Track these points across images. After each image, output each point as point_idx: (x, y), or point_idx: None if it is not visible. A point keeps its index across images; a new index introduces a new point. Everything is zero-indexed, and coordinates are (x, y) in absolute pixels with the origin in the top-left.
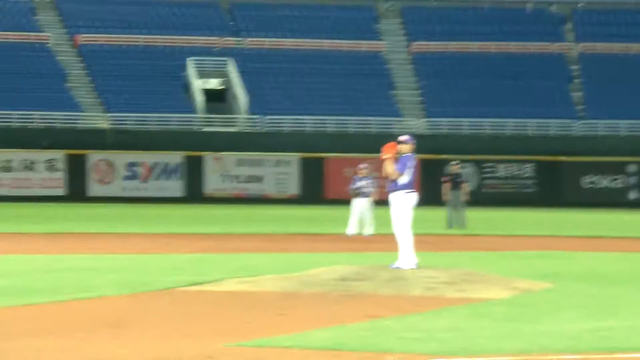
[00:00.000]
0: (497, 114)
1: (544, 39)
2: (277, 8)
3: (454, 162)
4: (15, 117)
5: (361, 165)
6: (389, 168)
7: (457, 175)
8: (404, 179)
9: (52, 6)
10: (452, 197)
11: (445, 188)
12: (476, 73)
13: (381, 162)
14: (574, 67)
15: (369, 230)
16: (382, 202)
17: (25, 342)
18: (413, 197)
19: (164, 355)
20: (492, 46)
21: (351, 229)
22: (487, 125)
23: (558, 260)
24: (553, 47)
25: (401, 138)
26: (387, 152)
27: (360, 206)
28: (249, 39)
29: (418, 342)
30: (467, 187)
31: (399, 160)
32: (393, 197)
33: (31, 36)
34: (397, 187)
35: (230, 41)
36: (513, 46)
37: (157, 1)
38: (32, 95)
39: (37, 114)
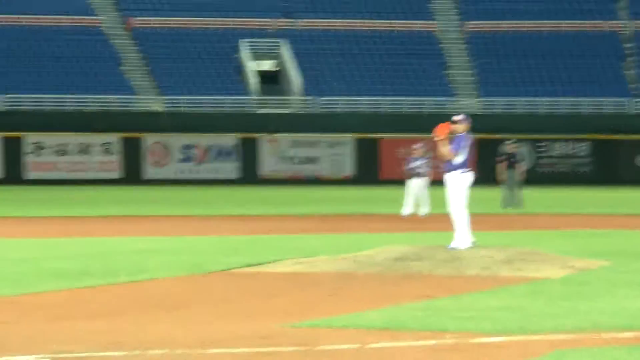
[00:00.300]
0: (551, 92)
1: (597, 17)
2: None
3: (509, 142)
4: (70, 101)
5: (415, 146)
6: (443, 148)
7: (513, 154)
8: (459, 159)
9: None
10: (508, 176)
11: (501, 168)
12: (530, 52)
13: (435, 142)
14: (628, 45)
15: (424, 210)
16: (437, 181)
17: (82, 324)
18: (469, 176)
19: (219, 337)
20: (545, 25)
21: (406, 209)
22: (542, 104)
23: (614, 239)
24: (606, 25)
25: (455, 118)
26: (439, 133)
27: (415, 186)
28: (302, 21)
29: (473, 321)
30: (522, 167)
31: (453, 140)
32: (448, 177)
33: (85, 20)
34: (452, 167)
35: (283, 23)
36: (566, 25)
37: None
38: (86, 79)
39: (92, 97)
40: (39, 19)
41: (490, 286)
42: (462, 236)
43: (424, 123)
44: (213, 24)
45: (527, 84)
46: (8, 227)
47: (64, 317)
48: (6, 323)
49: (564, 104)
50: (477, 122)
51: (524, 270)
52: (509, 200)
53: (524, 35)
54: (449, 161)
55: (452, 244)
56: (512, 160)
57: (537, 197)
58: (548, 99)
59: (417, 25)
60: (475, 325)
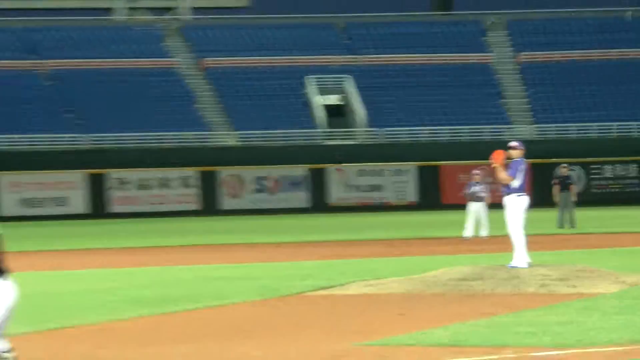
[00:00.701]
0: (601, 117)
1: None
2: (389, 26)
3: (562, 165)
4: (149, 138)
5: (475, 171)
6: (501, 174)
7: (566, 177)
8: (516, 183)
9: (179, 33)
10: (562, 198)
11: (555, 190)
12: (580, 80)
13: (493, 168)
14: None
15: (484, 232)
16: (495, 205)
17: (167, 348)
18: (525, 199)
19: (297, 357)
20: (594, 54)
21: (468, 231)
22: (592, 128)
23: None
24: None
25: (511, 144)
26: (496, 160)
27: (476, 209)
28: (364, 57)
29: (533, 336)
30: (575, 188)
31: (510, 166)
32: (507, 200)
33: (162, 62)
34: (510, 191)
35: (346, 59)
36: (614, 53)
37: (277, 24)
38: (164, 117)
39: (169, 134)
40: (119, 62)
41: (548, 302)
42: (521, 256)
43: (482, 150)
44: (280, 62)
45: (578, 110)
46: (94, 258)
47: (150, 342)
48: (99, 348)
49: (614, 127)
50: (532, 148)
51: (578, 286)
52: (563, 220)
53: (574, 64)
54: (507, 185)
55: (512, 263)
56: (565, 183)
57: (589, 217)
58: (598, 123)
59: (473, 57)
60: (535, 340)
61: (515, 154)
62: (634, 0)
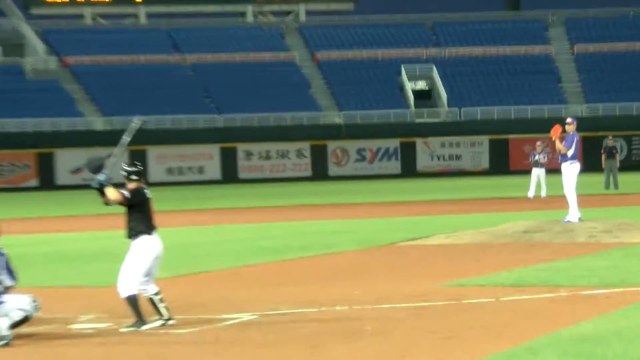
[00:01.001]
0: None
1: None
2: (468, 23)
3: (609, 137)
4: (271, 118)
5: (537, 143)
6: (558, 145)
7: (612, 147)
8: (570, 152)
9: (297, 31)
10: (608, 164)
11: (603, 157)
12: (625, 67)
13: (551, 140)
14: None
15: (544, 193)
16: (553, 170)
17: (284, 289)
18: (577, 166)
19: (388, 295)
20: (636, 45)
21: (530, 192)
22: (634, 107)
23: None
24: None
25: (567, 120)
26: (554, 133)
27: (537, 174)
28: (448, 49)
29: (583, 278)
30: (619, 157)
31: (566, 138)
32: (563, 167)
33: (281, 55)
34: (565, 159)
35: (433, 51)
36: None
37: (376, 23)
38: (284, 100)
39: (288, 114)
40: (248, 56)
41: (596, 250)
42: (573, 212)
43: (544, 125)
44: (379, 55)
45: (623, 92)
46: (227, 216)
47: (271, 283)
48: (230, 289)
49: None
50: (584, 123)
51: (620, 237)
52: (609, 183)
53: (620, 54)
54: (563, 154)
55: (566, 218)
56: (611, 152)
57: (630, 181)
58: (638, 103)
59: (536, 49)
60: (585, 281)
61: (570, 128)
62: None
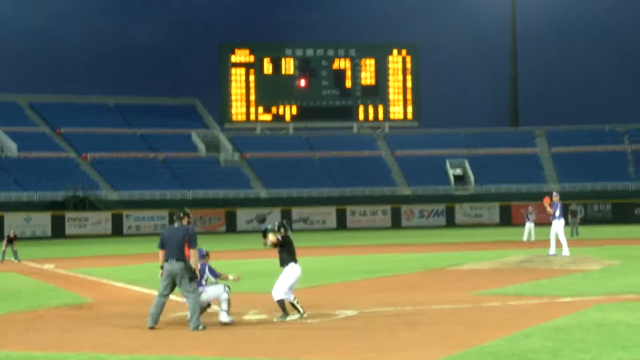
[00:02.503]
0: None
1: None
2: (486, 134)
3: (573, 204)
4: (367, 190)
5: (529, 208)
6: (548, 209)
7: (575, 210)
8: (557, 213)
9: (383, 138)
10: (572, 220)
11: (569, 216)
12: (583, 162)
13: (543, 205)
14: None
15: (532, 238)
16: (542, 224)
17: (373, 295)
18: (562, 221)
19: (437, 299)
20: (586, 148)
21: (524, 237)
22: (589, 186)
23: (623, 250)
24: None
25: (554, 194)
26: (545, 202)
27: (529, 227)
28: (475, 149)
29: (557, 291)
30: (579, 215)
31: (553, 204)
32: (554, 222)
33: (374, 153)
34: (554, 217)
35: (465, 151)
36: None
37: (432, 133)
38: (375, 180)
39: (377, 188)
40: (354, 153)
41: (565, 274)
42: (565, 249)
43: (533, 197)
44: (432, 153)
45: (582, 176)
46: (339, 251)
47: (365, 292)
48: (340, 295)
49: None
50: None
51: (580, 266)
52: (572, 232)
53: (580, 153)
54: (552, 215)
55: (554, 253)
56: (575, 213)
57: (586, 231)
58: (590, 183)
59: (528, 150)
60: (558, 292)
61: (555, 198)
62: None
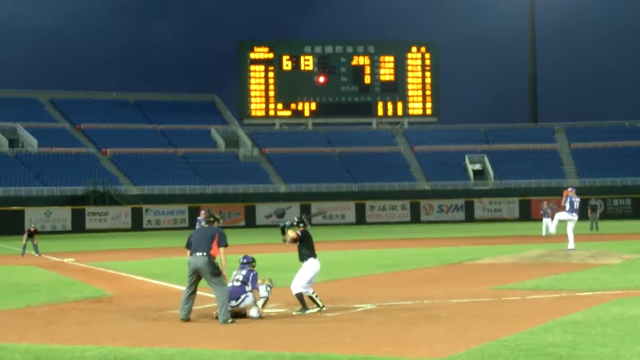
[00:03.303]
0: None
1: None
2: (506, 130)
3: (592, 199)
4: (387, 185)
5: (544, 202)
6: (562, 203)
7: (595, 205)
8: (567, 207)
9: (402, 134)
10: (592, 215)
11: (589, 211)
12: (601, 157)
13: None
14: None
15: (552, 231)
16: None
17: (391, 289)
18: (574, 216)
19: (456, 293)
20: (607, 144)
21: (543, 232)
22: (608, 181)
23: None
24: None
25: (569, 188)
26: (564, 194)
27: (546, 221)
28: (494, 145)
29: (576, 285)
30: (599, 210)
31: (565, 199)
32: (565, 216)
33: (393, 149)
34: (566, 210)
35: (485, 146)
36: None
37: (451, 129)
38: (395, 175)
39: (396, 184)
40: (373, 148)
41: (584, 268)
42: (571, 243)
43: (552, 192)
44: (452, 148)
45: (601, 172)
46: (358, 245)
47: (384, 286)
48: (360, 289)
49: None
50: (578, 191)
51: (600, 260)
52: (592, 227)
53: (598, 149)
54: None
55: (568, 247)
56: (594, 208)
57: (605, 225)
58: (610, 178)
59: (547, 146)
60: (577, 287)
61: (570, 193)
62: None
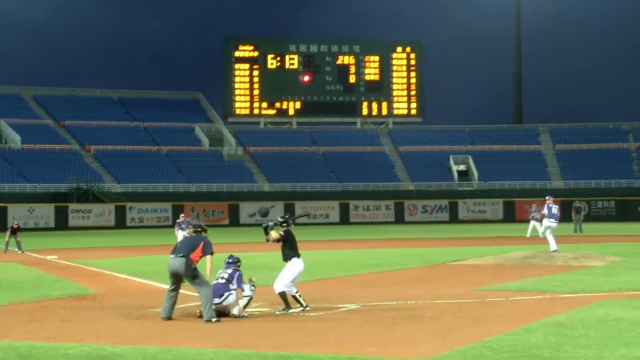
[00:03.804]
0: None
1: None
2: (491, 131)
3: (577, 201)
4: (371, 185)
5: (533, 205)
6: (541, 211)
7: (578, 207)
8: (546, 214)
9: (387, 134)
10: (576, 217)
11: (573, 213)
12: (586, 159)
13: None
14: None
15: (539, 233)
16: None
17: (375, 289)
18: (553, 222)
19: (440, 294)
20: (591, 146)
21: (528, 233)
22: (593, 183)
23: (625, 248)
24: None
25: (547, 197)
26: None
27: (532, 223)
28: (478, 146)
29: (559, 287)
30: (583, 212)
31: (544, 206)
32: (544, 221)
33: (377, 148)
34: (547, 216)
35: (469, 147)
36: None
37: (436, 129)
38: (378, 175)
39: (381, 184)
40: (357, 148)
41: (568, 270)
42: (552, 245)
43: (537, 194)
44: (437, 148)
45: (585, 174)
46: (342, 244)
47: (368, 286)
48: (343, 289)
49: None
50: (562, 193)
51: (583, 262)
52: (576, 228)
53: (583, 150)
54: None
55: (550, 249)
56: (578, 210)
57: (589, 228)
58: (595, 181)
59: (532, 147)
60: (560, 288)
61: (548, 201)
62: None
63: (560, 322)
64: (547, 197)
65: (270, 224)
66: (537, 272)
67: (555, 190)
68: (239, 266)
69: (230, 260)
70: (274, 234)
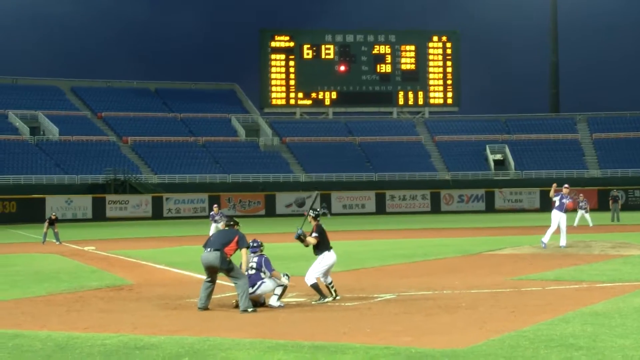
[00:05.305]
0: None
1: None
2: (528, 120)
3: (614, 190)
4: (407, 175)
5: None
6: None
7: (616, 196)
8: (557, 204)
9: (423, 124)
10: (613, 206)
11: (610, 202)
12: (623, 147)
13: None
14: None
15: (575, 223)
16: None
17: (411, 279)
18: (562, 213)
19: (476, 284)
20: (629, 134)
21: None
22: (630, 172)
23: None
24: None
25: (565, 185)
26: (553, 190)
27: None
28: (515, 135)
29: (597, 276)
30: (620, 201)
31: (557, 194)
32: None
33: (413, 138)
34: (556, 207)
35: (506, 136)
36: None
37: (473, 119)
38: (415, 165)
39: (417, 173)
40: (393, 138)
41: (605, 259)
42: (563, 239)
43: (573, 182)
44: (473, 138)
45: (622, 162)
46: (378, 235)
47: (404, 276)
48: (379, 279)
49: None
50: (599, 182)
51: (621, 251)
52: (613, 217)
53: (620, 139)
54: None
55: (562, 243)
56: (616, 199)
57: (627, 217)
58: (632, 169)
59: (569, 136)
60: (598, 278)
61: (564, 191)
62: None
63: (597, 312)
64: (565, 185)
65: (300, 231)
66: (574, 261)
67: (592, 179)
68: (262, 251)
69: (255, 245)
70: (310, 240)
